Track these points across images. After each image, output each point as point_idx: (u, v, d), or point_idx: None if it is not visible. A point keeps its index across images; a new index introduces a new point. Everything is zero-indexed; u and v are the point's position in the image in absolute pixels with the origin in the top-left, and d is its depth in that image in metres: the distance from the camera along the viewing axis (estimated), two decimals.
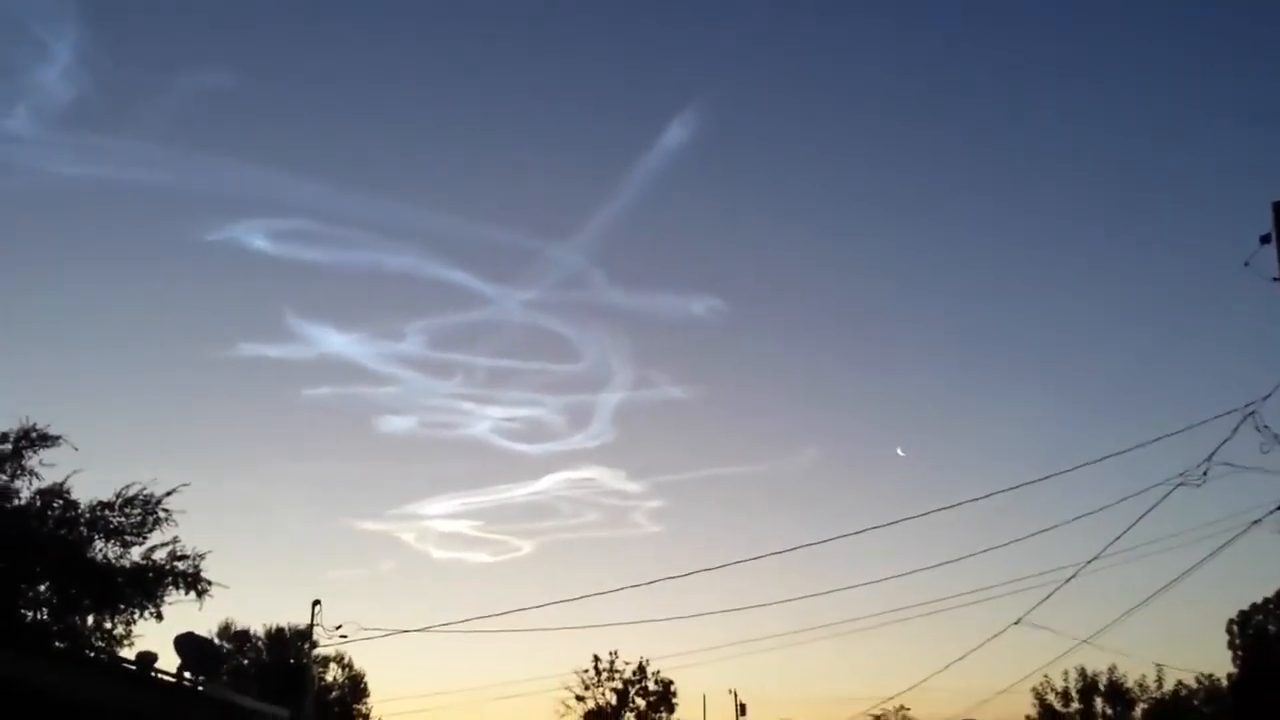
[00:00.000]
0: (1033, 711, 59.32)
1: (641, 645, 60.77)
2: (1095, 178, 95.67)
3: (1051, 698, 58.75)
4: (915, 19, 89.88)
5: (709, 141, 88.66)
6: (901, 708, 60.52)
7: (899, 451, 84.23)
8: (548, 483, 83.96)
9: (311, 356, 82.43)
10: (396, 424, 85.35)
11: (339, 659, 53.11)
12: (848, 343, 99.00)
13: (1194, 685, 56.77)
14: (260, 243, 75.91)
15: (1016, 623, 24.32)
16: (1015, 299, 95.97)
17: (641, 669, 60.37)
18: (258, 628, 51.11)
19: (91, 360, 77.90)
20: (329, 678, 53.00)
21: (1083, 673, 58.23)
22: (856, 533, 22.80)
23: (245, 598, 61.93)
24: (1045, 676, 57.92)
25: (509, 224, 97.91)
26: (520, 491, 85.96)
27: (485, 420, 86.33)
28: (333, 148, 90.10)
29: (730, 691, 57.95)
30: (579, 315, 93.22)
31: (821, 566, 66.67)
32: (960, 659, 30.05)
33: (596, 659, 59.98)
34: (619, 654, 60.23)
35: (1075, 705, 58.60)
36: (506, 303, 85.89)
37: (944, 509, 20.53)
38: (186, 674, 21.62)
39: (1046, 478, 18.00)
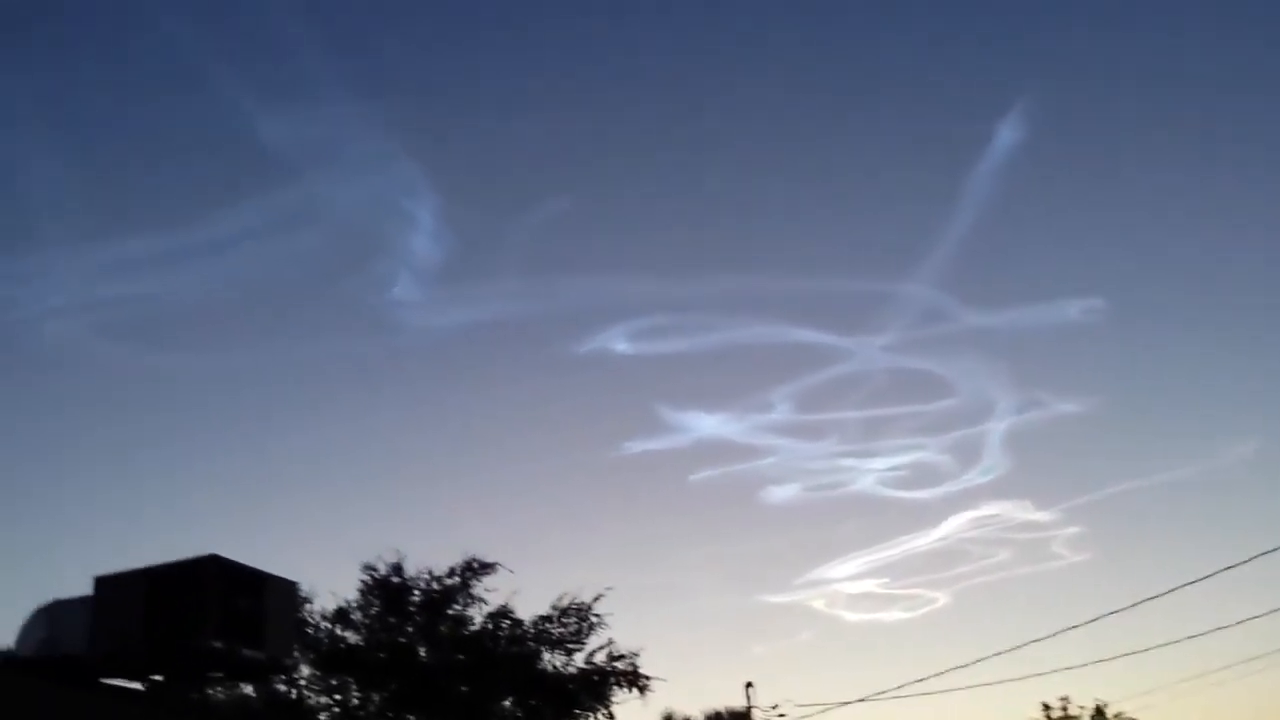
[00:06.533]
0: None
1: (1091, 687, 55.82)
2: None
3: None
4: None
5: (1043, 138, 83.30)
6: None
7: None
8: (949, 527, 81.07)
9: (689, 443, 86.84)
10: (781, 493, 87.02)
11: None
12: (1255, 319, 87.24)
13: None
14: (622, 345, 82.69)
15: None
16: None
17: (1100, 712, 55.55)
18: (695, 713, 52.69)
19: (498, 482, 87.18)
20: None
21: None
22: None
23: (673, 684, 64.07)
24: None
25: (850, 272, 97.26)
26: (922, 541, 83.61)
27: (869, 474, 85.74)
28: (667, 241, 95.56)
29: None
30: (943, 348, 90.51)
31: None
32: None
33: (1047, 707, 56.00)
34: (1070, 700, 55.92)
35: None
36: (865, 351, 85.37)
37: None
38: None
39: None
